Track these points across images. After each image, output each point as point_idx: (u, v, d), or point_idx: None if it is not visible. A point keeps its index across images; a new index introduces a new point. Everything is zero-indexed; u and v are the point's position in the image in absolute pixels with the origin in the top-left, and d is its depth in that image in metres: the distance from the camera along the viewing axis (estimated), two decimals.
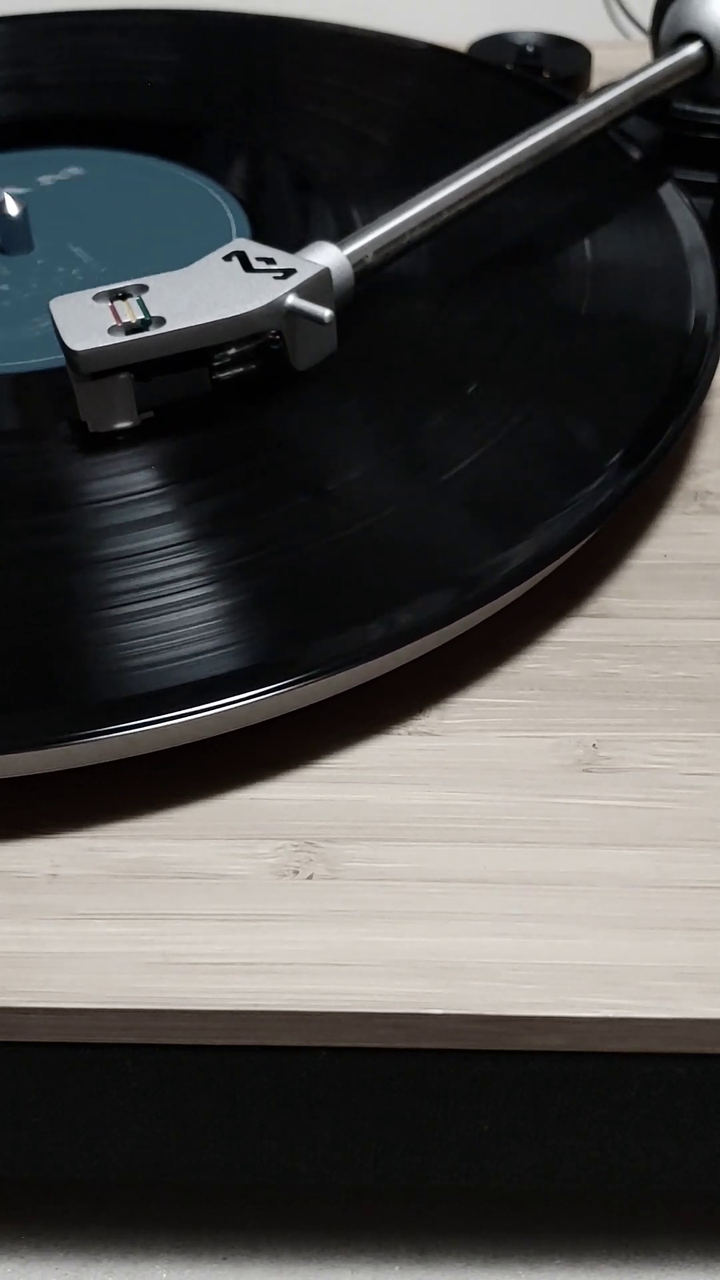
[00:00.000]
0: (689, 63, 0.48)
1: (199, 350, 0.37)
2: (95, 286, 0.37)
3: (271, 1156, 0.31)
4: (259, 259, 0.38)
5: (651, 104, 0.47)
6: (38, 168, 0.49)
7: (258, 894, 0.30)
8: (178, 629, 0.32)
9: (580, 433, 0.38)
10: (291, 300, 0.36)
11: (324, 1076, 0.29)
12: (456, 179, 0.41)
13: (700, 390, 0.38)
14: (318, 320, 0.36)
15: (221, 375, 0.38)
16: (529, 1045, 0.28)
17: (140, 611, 0.33)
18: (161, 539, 0.34)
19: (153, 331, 0.36)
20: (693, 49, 0.48)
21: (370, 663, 0.32)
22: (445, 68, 0.55)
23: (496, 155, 0.42)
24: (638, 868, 0.30)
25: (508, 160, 0.42)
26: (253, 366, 0.38)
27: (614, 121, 0.46)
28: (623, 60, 0.55)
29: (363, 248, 0.39)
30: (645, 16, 0.52)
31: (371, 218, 0.41)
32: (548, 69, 0.56)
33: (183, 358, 0.37)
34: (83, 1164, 0.31)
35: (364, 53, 0.55)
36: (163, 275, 0.37)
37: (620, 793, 0.32)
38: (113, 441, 0.37)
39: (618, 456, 0.36)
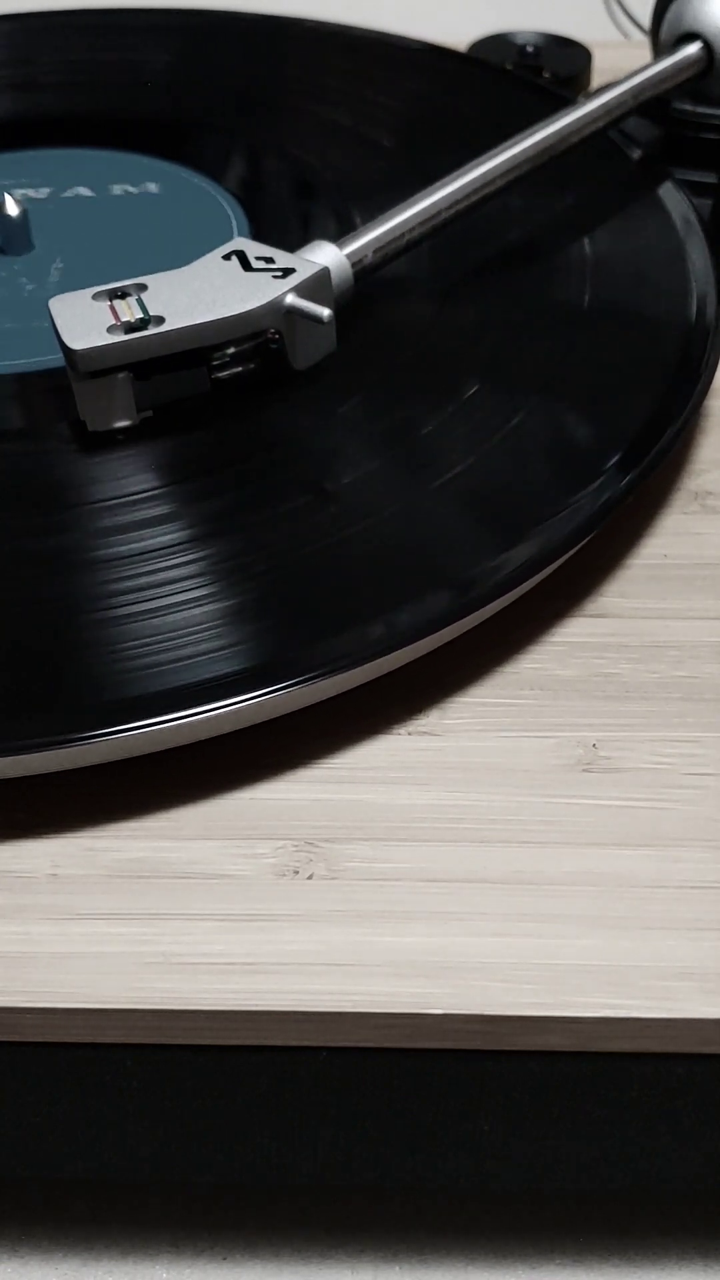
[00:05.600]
0: (689, 63, 0.48)
1: (198, 349, 0.37)
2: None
3: (271, 1156, 0.31)
4: (258, 258, 0.38)
5: (651, 104, 0.47)
6: (108, 172, 0.49)
7: (258, 894, 0.30)
8: (177, 630, 0.32)
9: (580, 433, 0.38)
10: (291, 299, 0.36)
11: (324, 1076, 0.29)
12: (456, 179, 0.41)
13: (700, 390, 0.38)
14: (317, 319, 0.36)
15: (221, 374, 0.38)
16: (529, 1045, 0.28)
17: (140, 612, 0.33)
18: (161, 539, 0.34)
19: (152, 330, 0.36)
20: (693, 49, 0.48)
21: (370, 663, 0.32)
22: (445, 68, 0.54)
23: (496, 155, 0.42)
24: (638, 868, 0.30)
25: (508, 160, 0.42)
26: (252, 366, 0.38)
27: (614, 121, 0.46)
28: (623, 60, 0.55)
29: (362, 247, 0.39)
30: (645, 16, 0.52)
31: (371, 217, 0.41)
32: (548, 69, 0.56)
33: (182, 357, 0.37)
34: (83, 1164, 0.31)
35: (364, 53, 0.55)
36: (162, 274, 0.37)
37: (620, 793, 0.32)
38: (112, 441, 0.37)
39: (618, 457, 0.36)
